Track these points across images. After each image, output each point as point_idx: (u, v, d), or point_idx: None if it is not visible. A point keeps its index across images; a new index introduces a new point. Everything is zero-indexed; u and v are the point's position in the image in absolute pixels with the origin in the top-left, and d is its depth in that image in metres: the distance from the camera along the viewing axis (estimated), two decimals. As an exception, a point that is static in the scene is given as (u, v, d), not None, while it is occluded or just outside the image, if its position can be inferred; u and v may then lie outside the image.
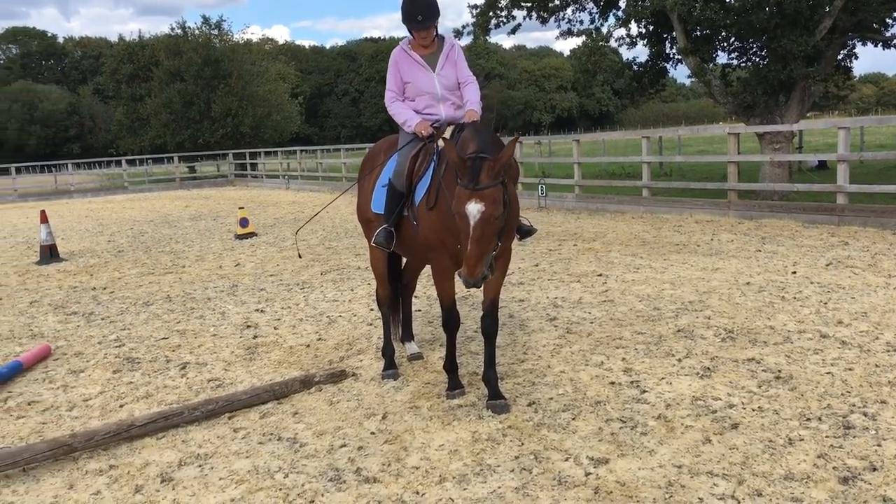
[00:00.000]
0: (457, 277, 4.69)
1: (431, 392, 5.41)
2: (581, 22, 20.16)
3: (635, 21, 18.50)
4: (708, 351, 5.94)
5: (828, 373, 5.30)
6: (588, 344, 6.33)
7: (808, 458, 4.01)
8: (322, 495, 3.95)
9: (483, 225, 4.26)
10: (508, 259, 5.20)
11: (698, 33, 17.86)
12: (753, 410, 4.70)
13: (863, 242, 10.40)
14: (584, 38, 19.69)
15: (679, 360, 5.75)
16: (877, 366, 5.38)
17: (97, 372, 6.50)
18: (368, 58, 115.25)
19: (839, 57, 17.84)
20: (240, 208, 16.03)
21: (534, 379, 5.54)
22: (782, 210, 13.12)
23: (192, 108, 44.35)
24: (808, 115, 20.60)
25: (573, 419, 4.74)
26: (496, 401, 4.97)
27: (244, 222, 15.39)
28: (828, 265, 8.97)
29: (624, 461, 4.10)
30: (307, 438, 4.72)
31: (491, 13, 19.52)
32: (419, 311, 7.82)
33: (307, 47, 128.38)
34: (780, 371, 5.38)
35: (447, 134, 5.15)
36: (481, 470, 4.11)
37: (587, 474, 3.98)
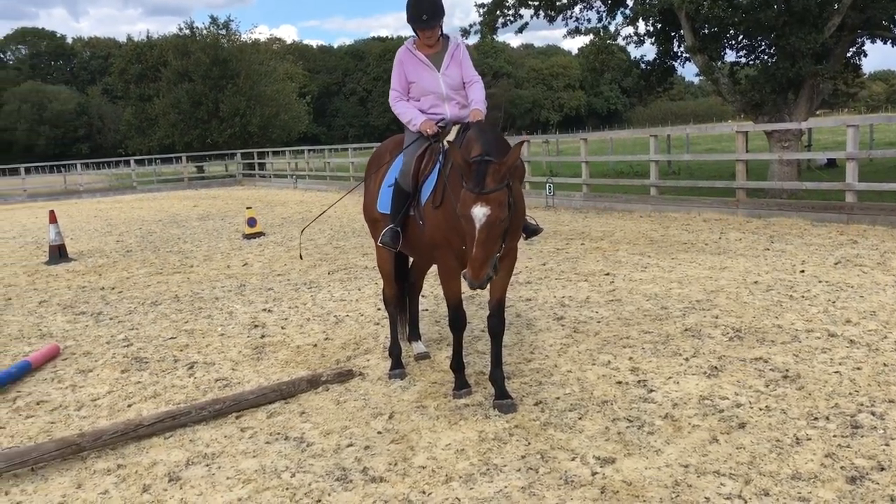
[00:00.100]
0: (462, 278, 4.69)
1: (438, 391, 5.41)
2: (589, 20, 20.14)
3: (643, 19, 18.48)
4: (715, 350, 5.93)
5: (836, 372, 5.28)
6: (595, 343, 6.33)
7: (816, 458, 3.99)
8: (329, 495, 3.96)
9: (488, 228, 4.26)
10: (514, 258, 5.19)
11: (706, 31, 17.81)
12: (761, 410, 4.69)
13: (872, 241, 10.35)
14: (591, 36, 19.67)
15: (686, 360, 5.74)
16: (885, 365, 5.35)
17: (105, 371, 6.53)
18: (376, 57, 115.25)
19: (848, 54, 17.77)
20: (248, 208, 16.07)
21: (540, 378, 5.53)
22: (791, 208, 13.07)
23: (201, 107, 44.49)
24: (817, 112, 20.53)
25: (580, 418, 4.73)
26: (503, 400, 4.97)
27: (252, 222, 15.42)
28: (836, 264, 8.93)
29: (630, 460, 4.10)
30: (314, 438, 4.73)
31: (498, 12, 19.50)
32: (426, 310, 7.82)
33: (315, 47, 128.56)
34: (787, 370, 5.36)
35: (452, 133, 5.14)
36: (488, 469, 4.11)
37: (594, 474, 3.98)
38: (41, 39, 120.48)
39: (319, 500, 3.91)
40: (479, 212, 4.26)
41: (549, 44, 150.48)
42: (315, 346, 6.89)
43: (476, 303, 7.79)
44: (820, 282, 8.05)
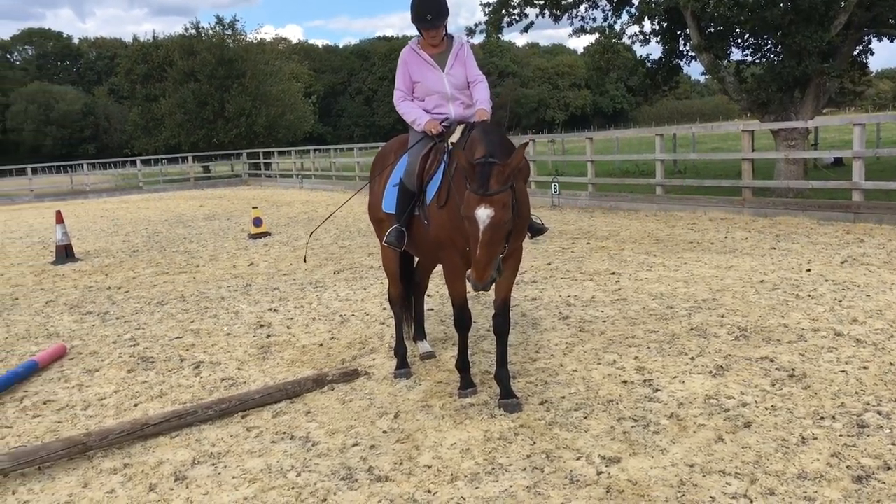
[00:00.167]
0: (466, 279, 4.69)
1: (444, 391, 5.42)
2: (594, 19, 20.10)
3: (648, 18, 18.44)
4: (721, 349, 5.92)
5: (842, 371, 5.26)
6: (601, 342, 6.32)
7: (822, 457, 3.98)
8: (334, 494, 3.97)
9: (492, 229, 4.26)
10: (520, 258, 5.19)
11: (712, 30, 17.78)
12: (766, 409, 4.68)
13: (878, 240, 10.32)
14: (597, 35, 19.62)
15: (692, 359, 5.73)
16: (892, 364, 5.34)
17: (112, 371, 6.55)
18: (381, 56, 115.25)
19: (855, 52, 17.72)
20: (253, 208, 16.09)
21: (546, 378, 5.53)
22: (797, 207, 13.03)
23: (206, 107, 44.60)
24: (823, 111, 20.44)
25: (585, 418, 4.73)
26: (508, 400, 4.97)
27: (258, 222, 15.45)
28: (843, 263, 8.91)
29: (636, 460, 4.10)
30: (320, 437, 4.74)
31: (503, 11, 19.48)
32: (431, 309, 7.83)
33: (320, 46, 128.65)
34: (793, 369, 5.35)
35: (457, 133, 5.15)
36: (493, 469, 4.11)
37: (599, 473, 3.98)
38: (47, 40, 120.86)
39: (325, 500, 3.91)
40: (483, 213, 4.25)
41: (555, 43, 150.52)
42: (321, 345, 6.90)
43: (481, 302, 7.79)
44: (826, 281, 8.03)
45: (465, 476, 4.05)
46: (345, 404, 5.30)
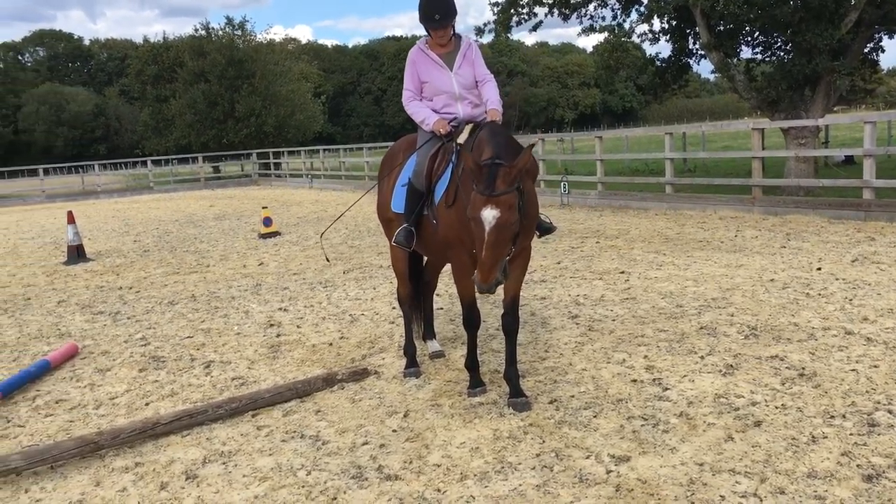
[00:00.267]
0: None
1: (453, 390, 5.43)
2: (603, 18, 20.06)
3: (658, 17, 18.42)
4: (731, 348, 5.91)
5: (852, 370, 5.25)
6: (610, 341, 6.32)
7: (832, 456, 3.97)
8: (344, 492, 3.98)
9: (498, 231, 4.26)
10: (528, 257, 5.20)
11: (722, 28, 17.71)
12: (776, 408, 4.67)
13: (889, 238, 10.27)
14: (606, 34, 19.59)
15: (702, 358, 5.73)
16: (903, 363, 5.32)
17: (123, 370, 6.59)
18: (391, 56, 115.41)
19: (865, 50, 17.62)
20: (263, 208, 16.14)
21: (555, 377, 5.54)
22: (807, 206, 12.98)
23: (217, 108, 44.76)
24: (834, 109, 20.38)
25: (595, 417, 4.73)
26: (517, 398, 4.97)
27: (267, 221, 15.49)
28: (854, 261, 8.87)
29: (645, 459, 4.10)
30: (329, 436, 4.76)
31: (512, 10, 19.46)
32: (441, 309, 7.84)
33: (330, 46, 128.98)
34: (803, 368, 5.34)
35: (465, 133, 5.15)
36: (502, 468, 4.12)
37: (608, 472, 3.98)
38: (59, 41, 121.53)
39: (335, 498, 3.93)
40: (489, 214, 4.26)
41: (564, 42, 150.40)
42: (330, 344, 6.92)
43: (490, 301, 7.79)
44: (837, 279, 8.00)
45: (475, 475, 4.06)
46: (354, 403, 5.32)
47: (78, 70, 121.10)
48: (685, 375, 5.36)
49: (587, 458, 4.16)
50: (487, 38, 21.75)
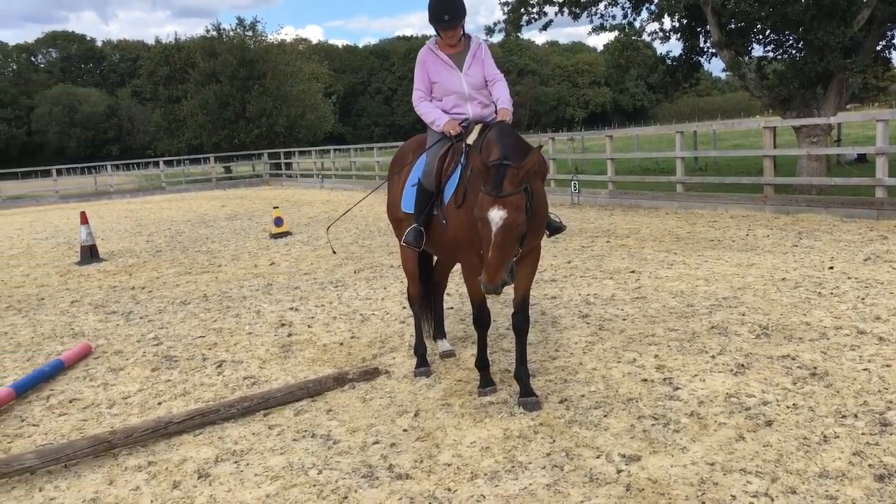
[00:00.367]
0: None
1: (463, 389, 5.44)
2: (614, 17, 20.03)
3: (668, 15, 18.35)
4: (742, 347, 5.89)
5: (864, 369, 5.22)
6: (620, 341, 6.31)
7: (844, 456, 3.96)
8: (355, 491, 4.00)
9: (504, 231, 4.26)
10: (538, 256, 5.20)
11: (733, 26, 17.64)
12: (788, 407, 4.66)
13: (903, 236, 10.21)
14: (616, 33, 19.55)
15: (713, 357, 5.71)
16: (915, 362, 5.29)
17: (136, 370, 6.63)
18: (401, 56, 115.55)
19: (878, 47, 17.51)
20: (274, 208, 16.20)
21: (565, 376, 5.54)
22: (819, 204, 12.91)
23: (228, 108, 44.90)
24: (847, 107, 20.24)
25: (605, 416, 4.73)
26: (528, 398, 4.98)
27: (279, 221, 15.54)
28: (866, 260, 8.83)
29: (656, 458, 4.09)
30: (340, 435, 4.78)
31: (523, 10, 19.44)
32: (451, 308, 7.85)
33: (340, 47, 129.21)
34: (815, 368, 5.32)
35: (474, 133, 5.15)
36: (513, 467, 4.12)
37: (619, 471, 3.98)
38: (71, 43, 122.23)
39: (346, 497, 3.95)
40: (496, 215, 4.26)
41: (574, 41, 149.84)
42: (341, 344, 6.94)
43: (501, 301, 7.79)
44: (849, 278, 7.96)
45: (485, 474, 4.07)
46: (365, 402, 5.34)
47: (90, 71, 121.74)
48: (696, 375, 5.36)
49: (597, 457, 4.17)
50: (498, 38, 21.76)
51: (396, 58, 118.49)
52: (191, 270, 11.97)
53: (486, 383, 5.32)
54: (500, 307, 7.54)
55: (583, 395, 5.11)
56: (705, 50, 19.27)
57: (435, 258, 6.31)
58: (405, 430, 4.77)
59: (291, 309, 8.57)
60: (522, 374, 5.08)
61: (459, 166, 5.06)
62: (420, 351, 5.97)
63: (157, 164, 45.07)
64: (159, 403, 5.72)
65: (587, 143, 36.71)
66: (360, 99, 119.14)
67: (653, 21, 18.94)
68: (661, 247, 10.85)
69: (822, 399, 4.75)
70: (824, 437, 4.21)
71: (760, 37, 18.38)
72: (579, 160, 25.23)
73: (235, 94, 44.63)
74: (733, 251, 10.06)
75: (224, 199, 29.47)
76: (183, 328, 8.07)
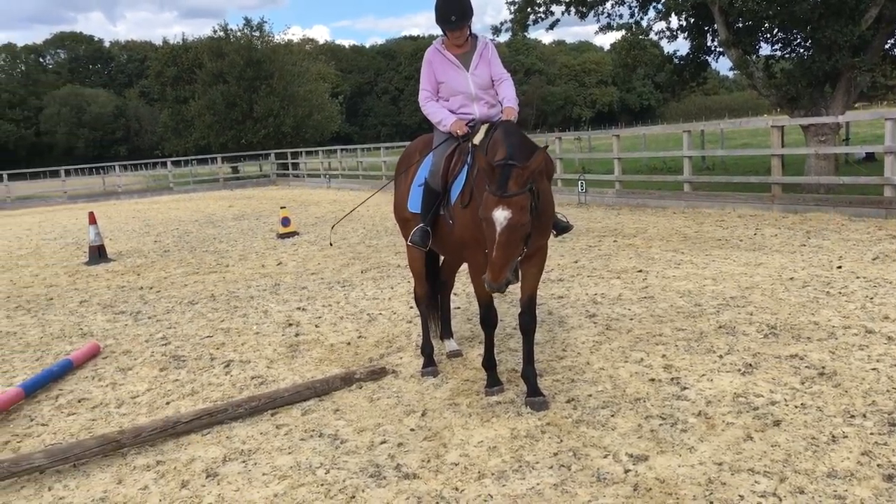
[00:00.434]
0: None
1: (470, 389, 5.44)
2: (621, 16, 19.97)
3: (675, 14, 18.30)
4: (750, 347, 5.88)
5: (873, 369, 5.21)
6: (628, 340, 6.31)
7: (852, 456, 3.95)
8: (363, 491, 4.01)
9: (509, 231, 4.27)
10: (545, 256, 5.20)
11: (740, 25, 17.59)
12: (796, 407, 4.65)
13: (912, 236, 10.16)
14: (623, 32, 19.52)
15: (720, 357, 5.70)
16: (924, 362, 5.27)
17: (144, 370, 6.66)
18: (408, 56, 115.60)
19: (886, 46, 17.41)
20: (281, 208, 16.23)
21: (573, 376, 5.53)
22: (828, 203, 12.86)
23: (235, 109, 44.96)
24: (855, 105, 20.15)
25: (612, 416, 4.73)
26: (535, 398, 4.98)
27: (286, 221, 15.57)
28: (875, 259, 8.79)
29: (663, 458, 4.09)
30: (348, 435, 4.79)
31: (529, 9, 19.42)
32: (458, 308, 7.85)
33: (347, 47, 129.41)
34: (823, 367, 5.30)
35: (481, 133, 5.15)
36: (520, 466, 4.13)
37: (626, 471, 3.98)
38: (79, 43, 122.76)
39: (353, 497, 3.95)
40: (501, 215, 4.27)
41: (581, 40, 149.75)
42: (348, 344, 6.95)
43: (508, 300, 7.79)
44: (857, 278, 7.93)
45: (493, 474, 4.07)
46: (372, 402, 5.35)
47: (98, 72, 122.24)
48: (704, 374, 5.35)
49: (605, 457, 4.16)
50: (504, 37, 21.75)
51: (403, 58, 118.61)
52: (198, 270, 12.00)
53: (494, 383, 5.32)
54: (508, 307, 7.54)
55: (590, 395, 5.11)
56: (713, 49, 19.21)
57: (442, 258, 6.31)
58: (412, 430, 4.78)
59: (299, 309, 8.58)
60: (530, 373, 5.08)
61: (466, 166, 5.07)
62: (427, 351, 5.98)
63: (164, 164, 45.17)
64: (167, 403, 5.74)
65: (594, 142, 36.66)
66: (366, 99, 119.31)
67: (660, 20, 18.92)
68: (668, 246, 10.83)
69: (831, 399, 4.74)
70: (833, 436, 4.20)
71: (768, 35, 18.31)
72: (586, 159, 25.21)
73: (243, 95, 44.69)
74: (741, 250, 10.03)
75: (231, 200, 29.53)
76: (191, 328, 8.09)
